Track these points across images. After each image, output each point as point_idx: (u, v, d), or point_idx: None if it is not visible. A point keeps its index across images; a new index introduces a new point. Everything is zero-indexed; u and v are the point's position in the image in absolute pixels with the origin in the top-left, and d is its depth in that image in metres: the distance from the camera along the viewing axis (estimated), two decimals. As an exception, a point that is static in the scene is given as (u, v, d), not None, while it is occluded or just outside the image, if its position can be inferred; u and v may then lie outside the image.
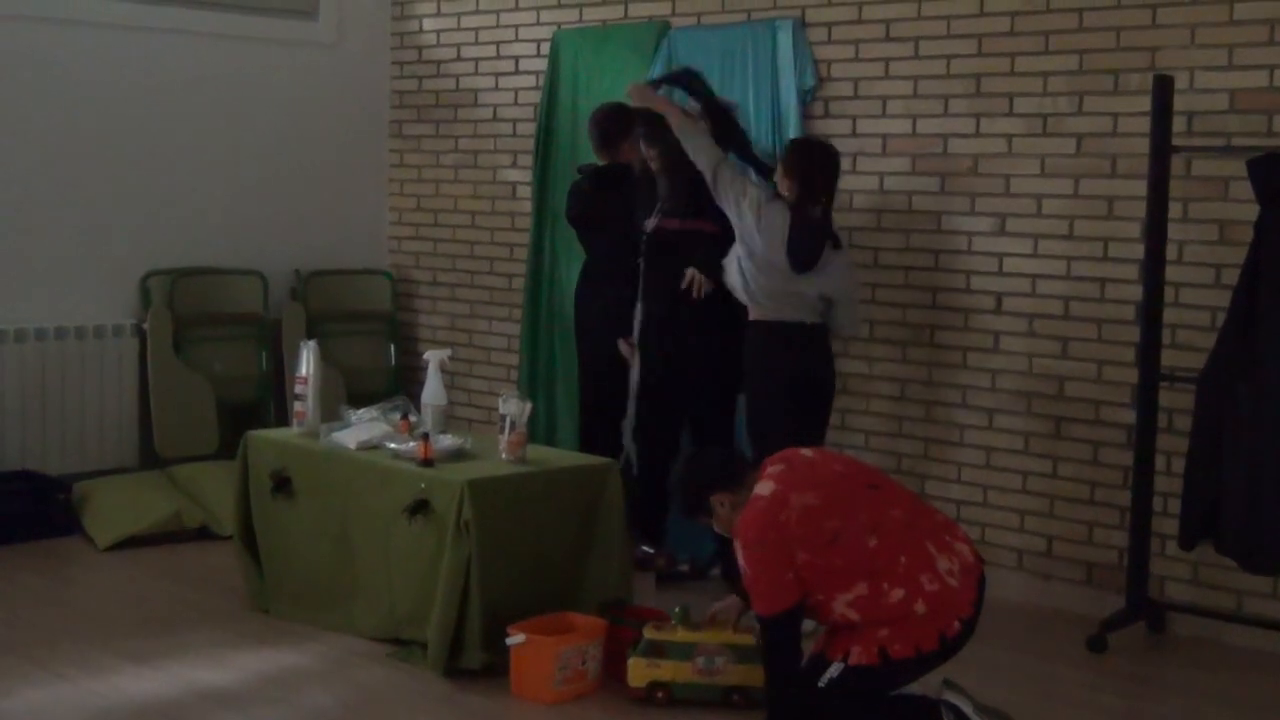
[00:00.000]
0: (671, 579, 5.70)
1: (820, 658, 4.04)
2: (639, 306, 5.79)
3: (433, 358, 5.30)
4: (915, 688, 4.06)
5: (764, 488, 4.02)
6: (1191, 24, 5.11)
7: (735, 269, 5.30)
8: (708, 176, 5.32)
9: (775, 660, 4.01)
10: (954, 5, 5.64)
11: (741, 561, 4.00)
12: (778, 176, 5.29)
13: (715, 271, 5.46)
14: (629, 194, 5.90)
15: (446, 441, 4.99)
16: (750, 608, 4.31)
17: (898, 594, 3.92)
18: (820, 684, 3.96)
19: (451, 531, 4.57)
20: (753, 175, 5.50)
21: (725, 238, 5.38)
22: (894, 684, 4.02)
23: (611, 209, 5.96)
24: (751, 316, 5.32)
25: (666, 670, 4.37)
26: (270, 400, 7.11)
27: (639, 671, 4.38)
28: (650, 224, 5.70)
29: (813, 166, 5.25)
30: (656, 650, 4.38)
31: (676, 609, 4.49)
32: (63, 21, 6.60)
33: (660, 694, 4.38)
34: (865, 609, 3.95)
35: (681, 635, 4.39)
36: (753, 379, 5.38)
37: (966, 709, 3.97)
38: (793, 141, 5.55)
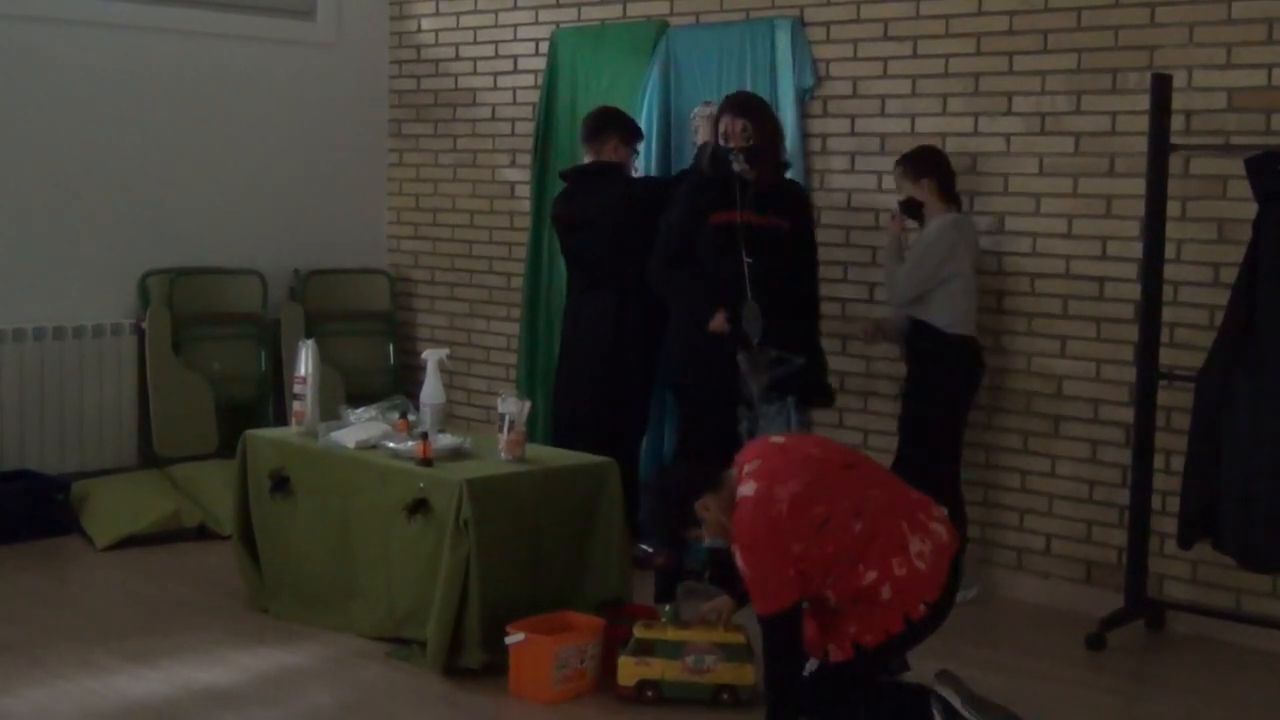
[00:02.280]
0: (672, 577, 5.69)
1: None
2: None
3: (431, 357, 5.30)
4: (910, 677, 4.12)
5: (747, 488, 4.03)
6: (1190, 23, 5.11)
7: (954, 309, 5.36)
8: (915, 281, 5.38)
9: (777, 660, 4.01)
10: (952, 4, 5.63)
11: (741, 564, 4.00)
12: (908, 190, 5.43)
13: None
14: (613, 193, 5.87)
15: (445, 440, 4.98)
16: (740, 607, 4.34)
17: (870, 576, 3.96)
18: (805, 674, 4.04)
19: (450, 531, 4.57)
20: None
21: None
22: (878, 667, 4.10)
23: (593, 209, 5.92)
24: (961, 332, 5.37)
25: (656, 669, 4.36)
26: (269, 399, 7.11)
27: (628, 670, 4.38)
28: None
29: (940, 168, 5.43)
30: (646, 649, 4.37)
31: (666, 607, 4.50)
32: (60, 21, 6.59)
33: (649, 692, 4.37)
34: (841, 590, 3.99)
35: (671, 634, 4.39)
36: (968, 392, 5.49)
37: (955, 703, 3.99)
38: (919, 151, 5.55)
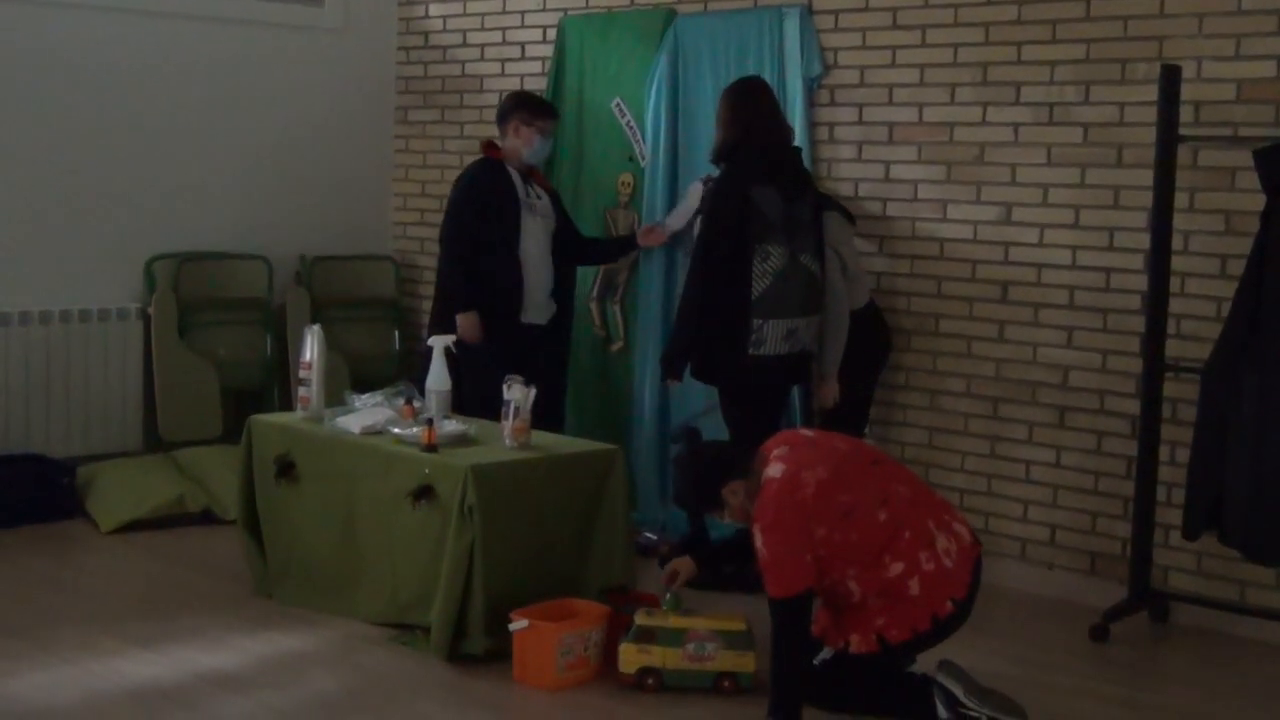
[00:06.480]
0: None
1: (818, 645, 4.08)
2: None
3: (436, 343, 5.29)
4: (915, 667, 4.13)
5: (774, 469, 4.05)
6: (1199, 13, 5.09)
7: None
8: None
9: (785, 644, 4.00)
10: (961, -7, 5.63)
11: (760, 544, 4.00)
12: None
13: None
14: (499, 181, 5.89)
15: (450, 427, 4.99)
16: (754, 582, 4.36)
17: (897, 569, 3.97)
18: (815, 663, 4.03)
19: (455, 517, 4.57)
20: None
21: None
22: (900, 662, 4.10)
23: (487, 193, 5.92)
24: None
25: (657, 656, 4.37)
26: (274, 385, 7.12)
27: (629, 657, 4.39)
28: None
29: None
30: (647, 636, 4.38)
31: (668, 595, 4.50)
32: (68, 5, 6.59)
33: (651, 680, 4.38)
34: (866, 583, 3.98)
35: (673, 621, 4.40)
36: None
37: (958, 692, 3.99)
38: None
